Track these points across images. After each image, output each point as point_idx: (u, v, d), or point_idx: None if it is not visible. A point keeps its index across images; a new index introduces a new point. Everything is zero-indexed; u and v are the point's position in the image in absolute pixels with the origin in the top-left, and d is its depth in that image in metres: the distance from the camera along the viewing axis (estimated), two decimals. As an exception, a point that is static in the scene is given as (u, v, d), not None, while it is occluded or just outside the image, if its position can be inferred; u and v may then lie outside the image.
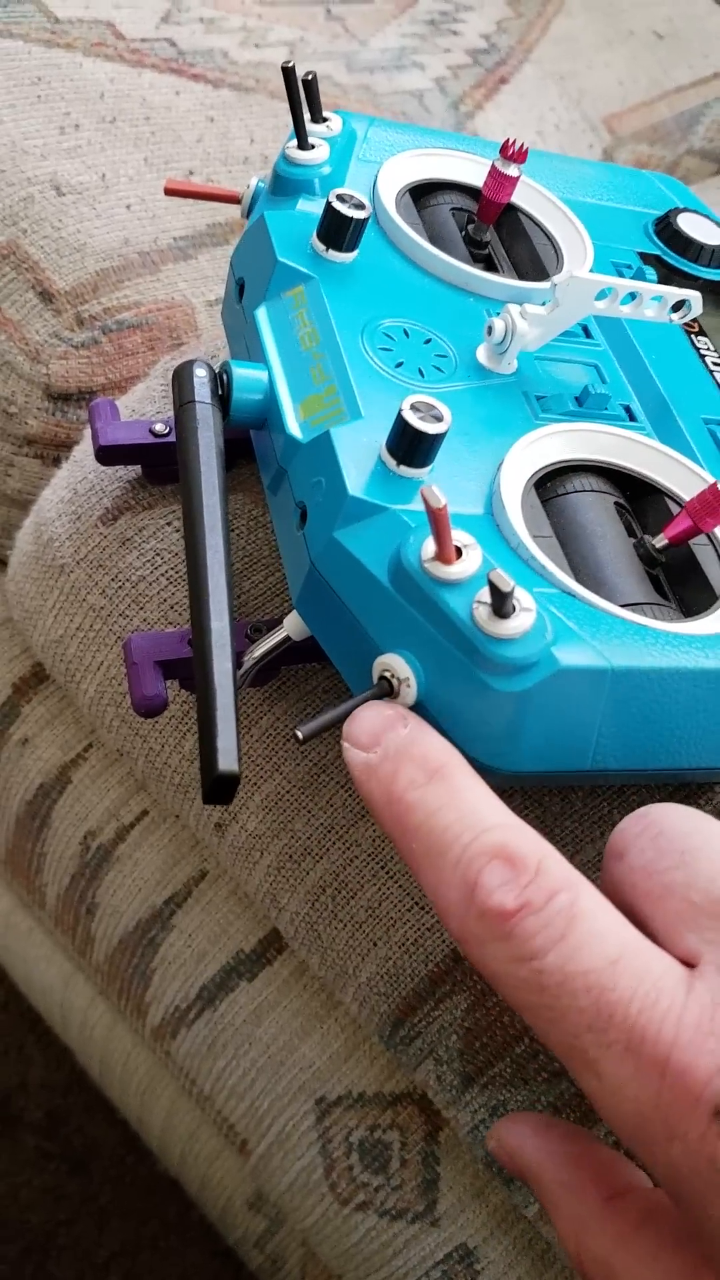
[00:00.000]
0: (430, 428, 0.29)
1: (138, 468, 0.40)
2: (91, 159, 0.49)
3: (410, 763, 0.26)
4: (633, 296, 0.34)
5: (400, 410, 0.29)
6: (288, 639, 0.32)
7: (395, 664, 0.28)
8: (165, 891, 0.45)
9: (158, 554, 0.38)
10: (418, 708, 0.28)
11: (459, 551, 0.28)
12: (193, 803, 0.39)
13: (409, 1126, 0.41)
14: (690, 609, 0.31)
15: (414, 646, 0.28)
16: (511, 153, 0.37)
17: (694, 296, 0.34)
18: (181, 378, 0.33)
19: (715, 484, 0.30)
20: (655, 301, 0.34)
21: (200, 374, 0.33)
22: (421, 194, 0.40)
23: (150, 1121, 0.56)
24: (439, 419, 0.30)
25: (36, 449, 0.47)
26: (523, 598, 0.27)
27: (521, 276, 0.39)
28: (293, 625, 0.32)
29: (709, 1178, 0.23)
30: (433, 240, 0.38)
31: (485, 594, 0.27)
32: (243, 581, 0.37)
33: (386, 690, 0.28)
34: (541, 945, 0.24)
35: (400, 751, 0.26)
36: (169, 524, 0.39)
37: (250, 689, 0.36)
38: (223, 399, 0.33)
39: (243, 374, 0.33)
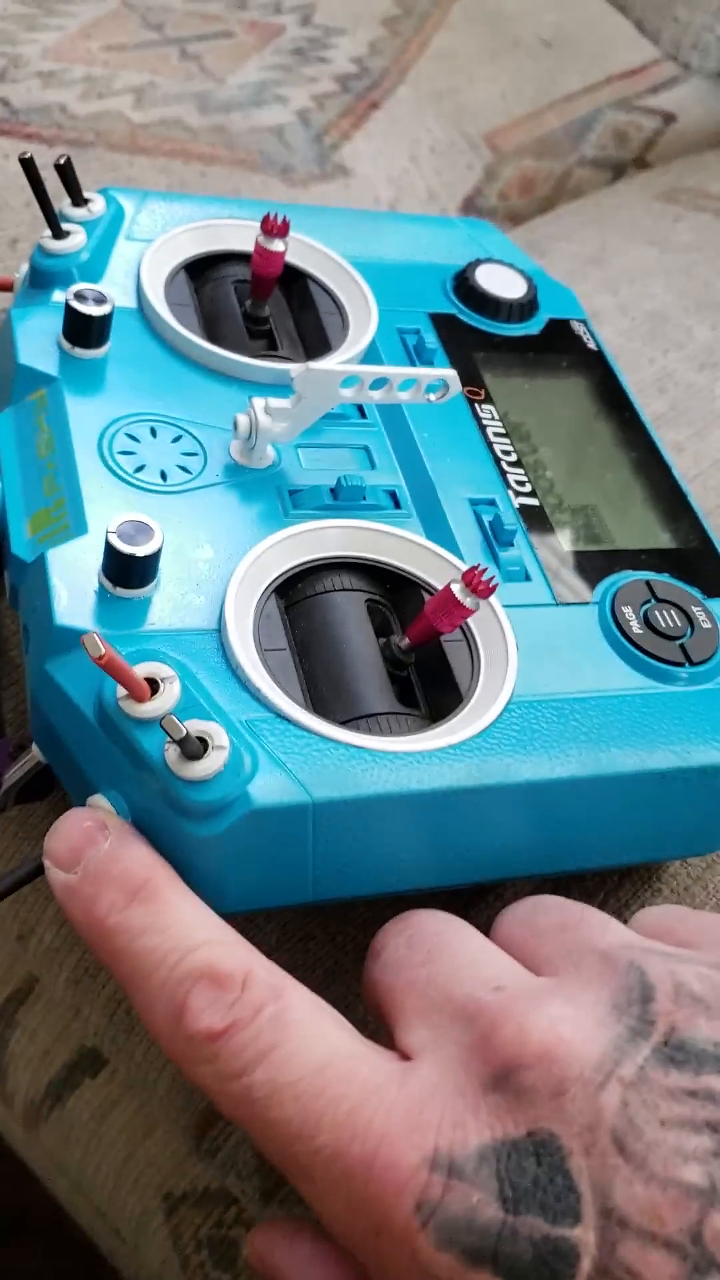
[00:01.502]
0: (137, 549, 0.28)
1: None
2: None
3: (110, 884, 0.25)
4: (384, 382, 0.32)
5: (106, 533, 0.28)
6: (38, 763, 0.31)
7: (102, 805, 0.27)
8: (5, 989, 0.44)
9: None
10: (125, 850, 0.27)
11: (155, 686, 0.27)
12: (-3, 912, 0.38)
13: (254, 1223, 0.40)
14: (439, 712, 0.30)
15: (120, 786, 0.27)
16: (272, 228, 0.35)
17: (450, 376, 0.33)
18: None
19: (449, 585, 0.29)
20: (410, 385, 0.33)
21: (-70, 492, 0.32)
22: (204, 267, 0.38)
23: (59, 1197, 0.56)
24: (149, 538, 0.28)
25: None
26: (215, 734, 0.26)
27: (306, 350, 0.38)
28: (39, 749, 0.31)
29: (412, 1273, 0.23)
30: (210, 319, 0.37)
31: (177, 733, 0.26)
32: (22, 692, 0.36)
33: (95, 831, 0.27)
34: (249, 1061, 0.23)
35: (100, 871, 0.25)
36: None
37: (32, 803, 0.35)
38: (-42, 515, 0.32)
39: (-27, 489, 0.32)
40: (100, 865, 0.26)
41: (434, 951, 0.26)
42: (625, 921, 0.28)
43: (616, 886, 0.34)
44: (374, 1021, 0.26)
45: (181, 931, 0.25)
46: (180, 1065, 0.24)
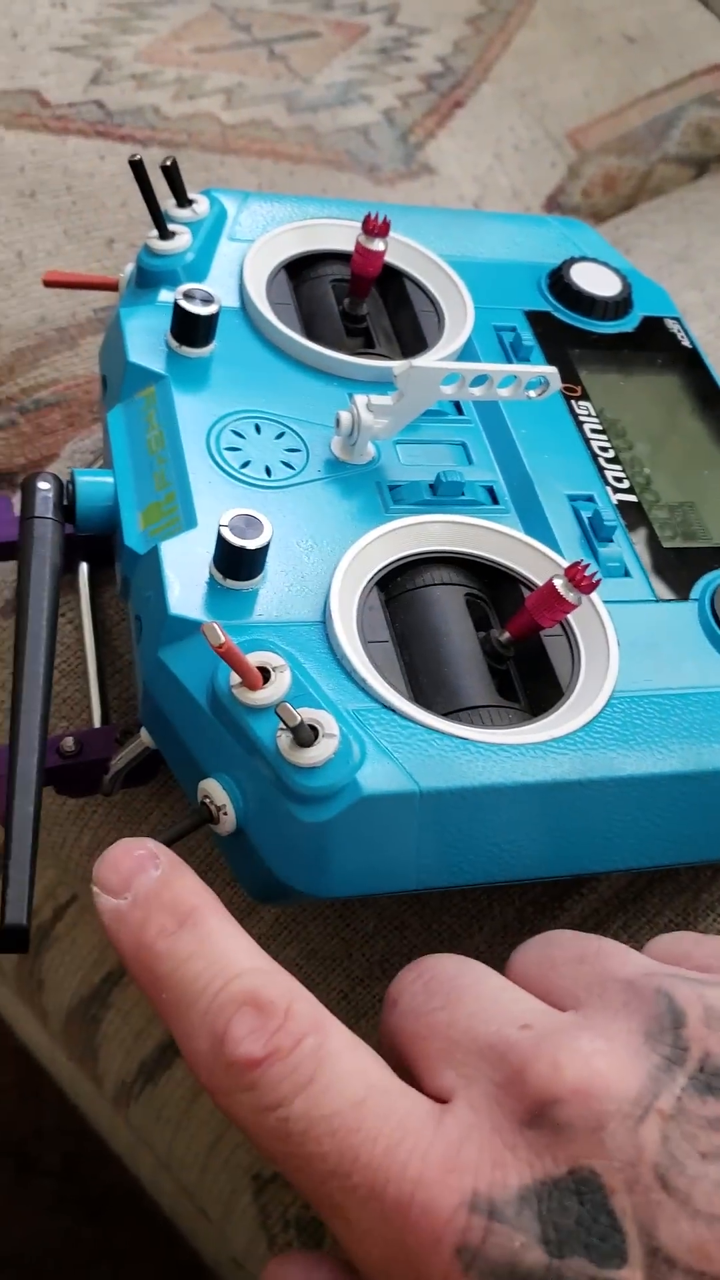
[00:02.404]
0: (248, 543, 0.29)
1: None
2: (8, 237, 0.49)
3: (160, 909, 0.25)
4: (485, 379, 0.33)
5: (219, 526, 0.29)
6: (145, 749, 0.32)
7: (213, 790, 0.28)
8: (102, 970, 0.45)
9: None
10: (237, 834, 0.28)
11: (266, 675, 0.27)
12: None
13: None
14: (539, 706, 0.30)
15: (231, 771, 0.28)
16: (374, 227, 0.36)
17: (550, 373, 0.33)
18: (25, 491, 0.33)
19: (551, 580, 0.29)
20: (510, 382, 0.33)
21: (43, 487, 0.33)
22: (303, 266, 0.39)
23: (142, 1177, 0.57)
24: (259, 532, 0.29)
25: (-39, 532, 0.47)
26: (325, 722, 0.27)
27: (403, 348, 0.38)
28: (147, 735, 0.32)
29: None
30: (308, 317, 0.38)
31: (291, 720, 0.27)
32: (124, 679, 0.37)
33: (207, 816, 0.28)
34: (287, 1093, 0.23)
35: (150, 897, 0.25)
36: (62, 615, 0.39)
37: (135, 787, 0.36)
38: (70, 508, 0.33)
39: (87, 482, 0.33)
40: (151, 891, 0.26)
41: (452, 995, 0.25)
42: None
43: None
44: (394, 1067, 0.25)
45: (227, 958, 0.25)
46: (216, 1096, 0.24)
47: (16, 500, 0.43)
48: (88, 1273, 0.68)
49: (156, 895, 0.25)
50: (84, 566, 0.39)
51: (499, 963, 0.33)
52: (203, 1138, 0.43)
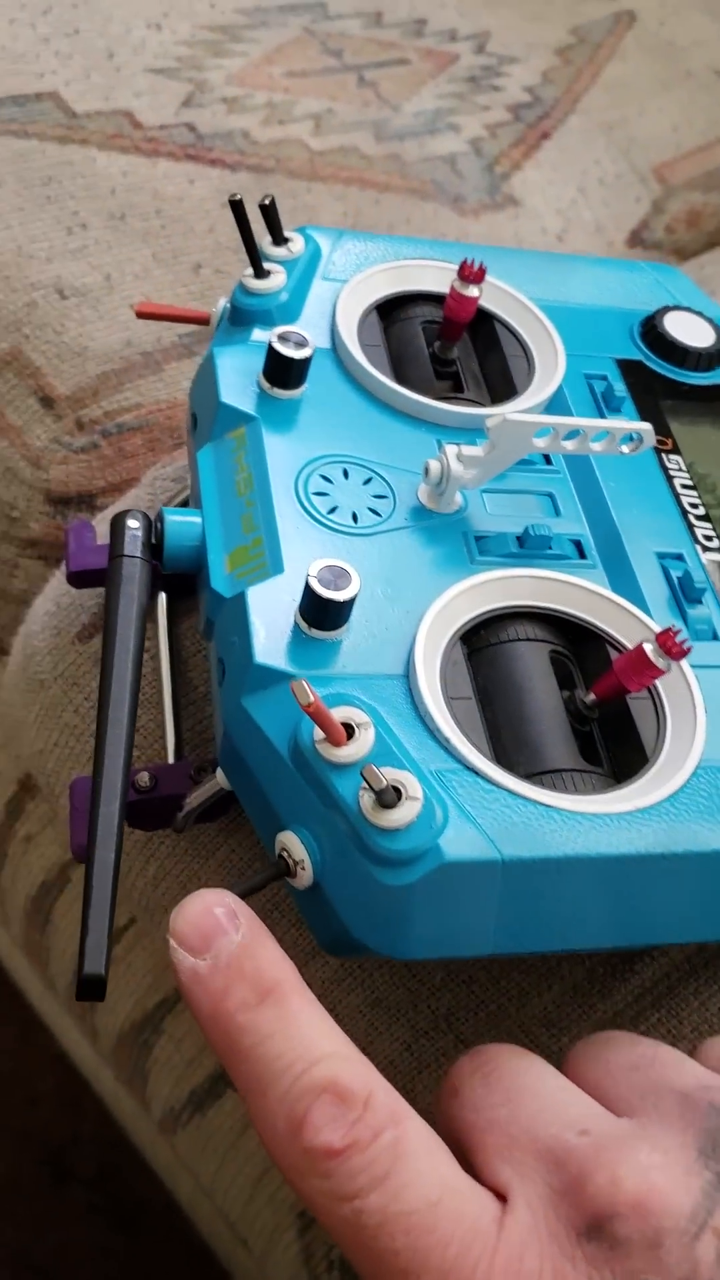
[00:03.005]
0: (336, 594, 0.29)
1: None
2: (97, 259, 0.49)
3: (243, 980, 0.25)
4: (578, 433, 0.33)
5: (307, 575, 0.29)
6: (221, 790, 0.32)
7: (292, 844, 0.28)
8: (157, 995, 0.45)
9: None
10: (313, 889, 0.28)
11: (350, 731, 0.27)
12: (158, 925, 0.39)
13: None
14: (622, 771, 0.30)
15: (310, 825, 0.28)
16: (470, 273, 0.36)
17: (644, 430, 0.33)
18: (114, 529, 0.33)
19: (641, 644, 0.29)
20: (603, 437, 0.33)
21: (132, 526, 0.33)
22: (394, 307, 0.39)
23: (180, 1196, 0.57)
24: (347, 583, 0.29)
25: (39, 550, 0.48)
26: (409, 784, 0.26)
27: (492, 392, 0.38)
28: (223, 777, 0.32)
29: None
30: (398, 359, 0.38)
31: (374, 780, 0.26)
32: (198, 711, 0.37)
33: (284, 869, 0.28)
34: (363, 1185, 0.23)
35: (232, 965, 0.25)
36: (138, 647, 0.39)
37: (205, 823, 0.36)
38: (157, 547, 0.33)
39: (176, 522, 0.33)
40: (233, 957, 0.25)
41: (513, 1091, 0.26)
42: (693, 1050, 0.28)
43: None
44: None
45: (308, 1041, 0.25)
46: (289, 1175, 0.24)
47: (99, 525, 0.44)
48: (119, 1286, 0.68)
49: (238, 964, 0.25)
50: (162, 596, 0.39)
51: (568, 1023, 0.33)
52: (249, 1171, 0.43)
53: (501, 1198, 0.24)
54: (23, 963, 0.55)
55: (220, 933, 0.26)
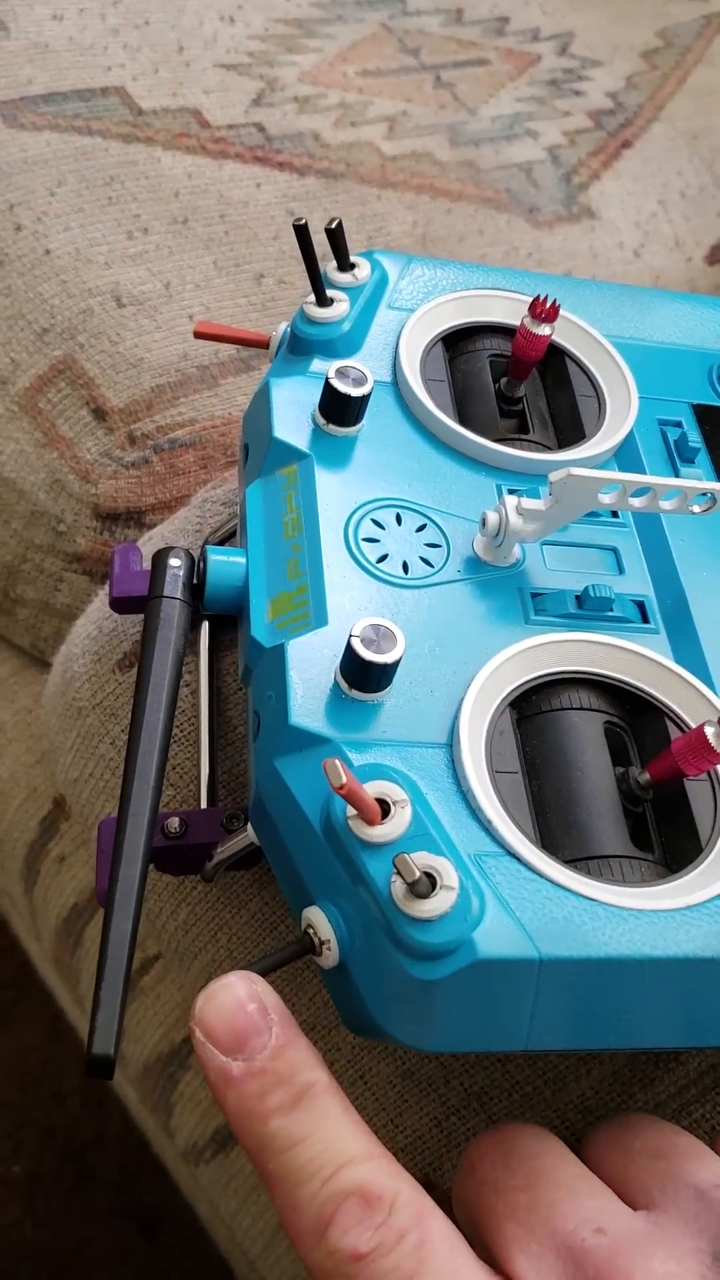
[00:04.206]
0: (379, 657, 0.27)
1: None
2: (157, 265, 0.48)
3: (276, 1083, 0.25)
4: (647, 490, 0.31)
5: (349, 636, 0.28)
6: (252, 844, 0.31)
7: (318, 922, 0.26)
8: (183, 1031, 0.44)
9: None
10: (339, 969, 0.26)
11: (386, 808, 0.26)
12: (187, 968, 0.38)
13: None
14: (675, 859, 0.28)
15: (339, 903, 0.26)
16: (542, 311, 0.34)
17: (718, 490, 0.31)
18: (156, 565, 0.32)
19: (703, 727, 0.27)
20: (674, 495, 0.31)
21: (174, 564, 0.32)
22: (461, 338, 0.37)
23: (199, 1214, 0.56)
24: (392, 645, 0.27)
25: (85, 565, 0.46)
26: (445, 872, 0.25)
27: (559, 434, 0.36)
28: (254, 832, 0.31)
29: None
30: (462, 395, 0.36)
31: (408, 865, 0.25)
32: (236, 753, 0.36)
33: (309, 946, 0.27)
34: None
35: (265, 1068, 0.25)
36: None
37: (238, 871, 0.35)
38: (199, 586, 0.32)
39: (219, 562, 0.32)
40: (266, 1060, 0.25)
41: (531, 1176, 0.26)
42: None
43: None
44: (466, 1231, 0.26)
45: (339, 1144, 0.25)
46: (314, 1273, 0.24)
47: (143, 546, 0.42)
48: (136, 1291, 0.68)
49: (273, 1067, 0.25)
50: (205, 625, 0.38)
51: (606, 1111, 0.31)
52: (271, 1215, 0.42)
53: None
54: (52, 972, 0.55)
55: (255, 1033, 0.25)
